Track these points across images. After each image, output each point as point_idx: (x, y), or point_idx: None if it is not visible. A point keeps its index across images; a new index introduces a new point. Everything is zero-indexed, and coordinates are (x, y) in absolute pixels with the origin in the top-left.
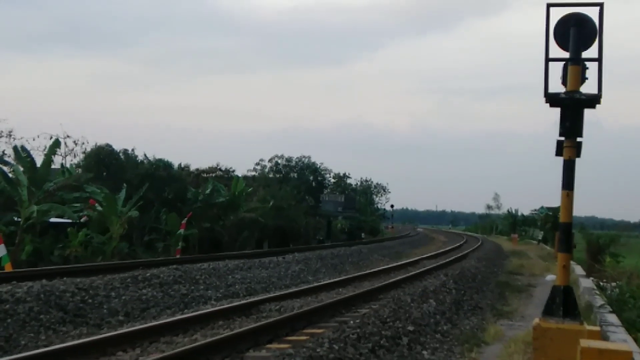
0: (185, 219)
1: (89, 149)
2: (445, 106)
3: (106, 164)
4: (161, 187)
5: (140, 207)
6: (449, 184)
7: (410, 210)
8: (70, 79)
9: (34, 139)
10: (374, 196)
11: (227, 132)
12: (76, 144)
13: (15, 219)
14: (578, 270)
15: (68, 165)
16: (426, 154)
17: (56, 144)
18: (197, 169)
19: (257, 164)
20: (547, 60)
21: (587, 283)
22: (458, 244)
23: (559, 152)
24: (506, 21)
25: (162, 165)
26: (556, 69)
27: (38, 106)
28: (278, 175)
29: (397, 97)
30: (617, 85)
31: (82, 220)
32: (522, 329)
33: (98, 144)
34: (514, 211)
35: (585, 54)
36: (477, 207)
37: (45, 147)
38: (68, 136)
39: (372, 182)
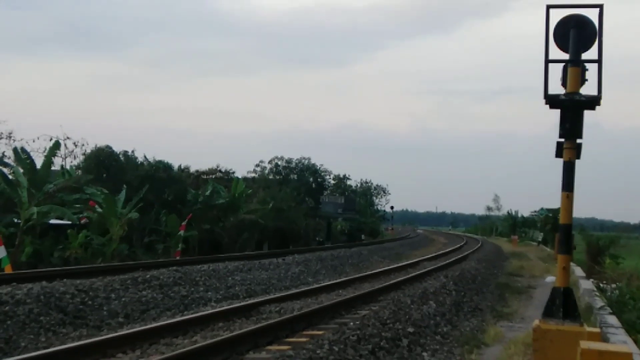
0: (185, 220)
1: (89, 151)
2: (445, 107)
3: (106, 165)
4: (161, 188)
5: (140, 208)
6: (449, 185)
7: (410, 212)
8: (70, 80)
9: (33, 141)
10: (374, 197)
11: (227, 134)
12: (76, 146)
13: (15, 220)
14: (578, 271)
15: (68, 167)
16: (426, 156)
17: (56, 145)
18: (197, 171)
19: (257, 165)
20: (547, 61)
21: (587, 284)
22: (458, 246)
23: (558, 154)
24: (506, 23)
25: (162, 167)
26: (556, 70)
27: (38, 107)
28: (278, 177)
29: (397, 98)
30: (618, 87)
31: (82, 222)
32: (522, 331)
33: (98, 146)
34: (513, 213)
35: (585, 56)
36: (477, 208)
37: (45, 149)
38: (68, 138)
39: (372, 183)
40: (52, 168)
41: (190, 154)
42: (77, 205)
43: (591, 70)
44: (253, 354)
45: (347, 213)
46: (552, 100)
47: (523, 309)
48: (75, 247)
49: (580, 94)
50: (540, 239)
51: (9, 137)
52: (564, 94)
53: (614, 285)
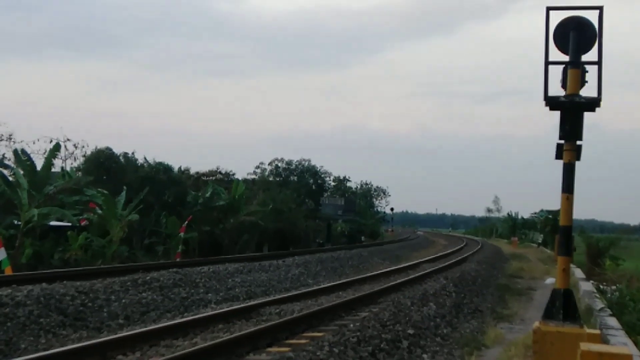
0: (185, 222)
1: (89, 153)
2: (445, 109)
3: (106, 167)
4: (161, 190)
5: (140, 210)
6: (449, 187)
7: (410, 214)
8: (70, 82)
9: (34, 143)
10: (374, 199)
11: (227, 135)
12: (76, 148)
13: (16, 222)
14: (578, 273)
15: (68, 169)
16: (426, 157)
17: (56, 147)
18: (197, 172)
19: (257, 167)
20: (547, 63)
21: (587, 286)
22: (458, 247)
23: (558, 156)
24: (506, 24)
25: (162, 169)
26: (556, 72)
27: (38, 109)
28: (278, 179)
29: (397, 100)
30: (618, 89)
31: (82, 223)
32: (522, 332)
33: (98, 147)
34: (514, 214)
35: (584, 57)
36: (477, 210)
37: (46, 151)
38: (68, 139)
39: (372, 185)
40: (52, 170)
41: (190, 155)
42: (77, 207)
43: (591, 72)
44: (253, 356)
45: (347, 215)
46: (552, 102)
47: (523, 311)
48: (76, 248)
49: (580, 96)
50: (540, 241)
51: (9, 139)
52: (564, 96)
53: (614, 287)
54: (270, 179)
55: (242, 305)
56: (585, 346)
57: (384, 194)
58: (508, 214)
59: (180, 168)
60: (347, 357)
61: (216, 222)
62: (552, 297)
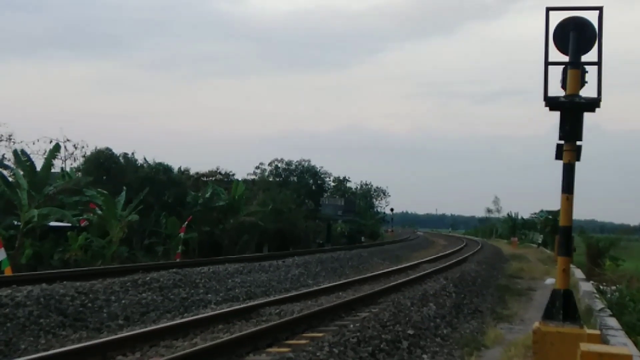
0: (185, 222)
1: (88, 153)
2: (445, 109)
3: (106, 167)
4: (161, 190)
5: (140, 210)
6: (449, 187)
7: (410, 214)
8: (70, 82)
9: (33, 143)
10: (374, 200)
11: (227, 136)
12: (76, 148)
13: (15, 222)
14: (578, 273)
15: (68, 169)
16: (426, 158)
17: (56, 148)
18: (197, 173)
19: (257, 167)
20: (547, 64)
21: (587, 286)
22: (458, 248)
23: (558, 156)
24: (506, 25)
25: (162, 169)
26: (556, 72)
27: (38, 110)
28: (278, 179)
29: (397, 101)
30: (618, 89)
31: (82, 224)
32: (522, 333)
33: (98, 148)
34: (513, 215)
35: (584, 58)
36: (477, 210)
37: (45, 151)
38: (68, 140)
39: (372, 185)
40: (52, 170)
41: (190, 156)
42: (77, 208)
43: (591, 72)
44: (253, 356)
45: (347, 215)
46: (552, 103)
47: (523, 311)
48: (75, 249)
49: (580, 96)
50: (540, 241)
51: (9, 139)
52: (564, 96)
53: (614, 287)
54: (270, 179)
55: (242, 305)
56: (585, 346)
57: (384, 194)
58: (508, 214)
59: (180, 168)
60: (347, 358)
61: (216, 222)
62: (552, 298)
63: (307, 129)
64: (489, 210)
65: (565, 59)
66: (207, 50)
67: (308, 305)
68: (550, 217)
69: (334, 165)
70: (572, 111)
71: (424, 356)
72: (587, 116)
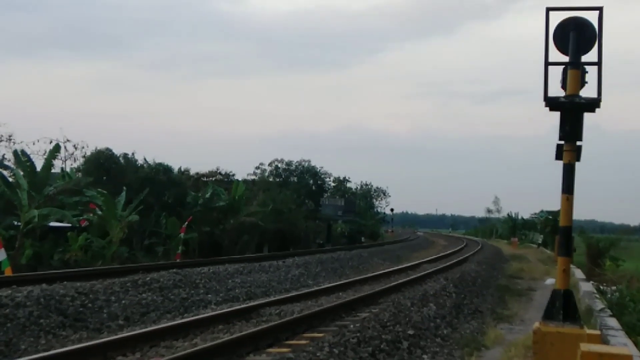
0: (185, 223)
1: (88, 153)
2: (445, 109)
3: (106, 168)
4: (161, 191)
5: (140, 211)
6: (449, 187)
7: (410, 214)
8: (70, 82)
9: (33, 143)
10: (374, 200)
11: (227, 136)
12: (76, 148)
13: (15, 223)
14: (578, 274)
15: (68, 170)
16: (426, 158)
17: (56, 148)
18: (197, 173)
19: (257, 167)
20: (547, 64)
21: (587, 287)
22: (458, 248)
23: (558, 156)
24: (506, 25)
25: (162, 169)
26: (556, 72)
27: (38, 110)
28: (278, 179)
29: (397, 101)
30: (618, 89)
31: (82, 224)
32: (522, 333)
33: (98, 148)
34: (514, 215)
35: (584, 58)
36: (477, 210)
37: (45, 152)
38: (68, 140)
39: (372, 185)
40: (52, 171)
41: (190, 156)
42: (77, 208)
43: (591, 72)
44: (253, 357)
45: (347, 215)
46: (552, 103)
47: (523, 312)
48: (75, 249)
49: (580, 97)
50: (540, 241)
51: (9, 139)
52: (564, 97)
53: (614, 288)
54: (270, 179)
55: (242, 305)
56: (585, 347)
57: (384, 194)
58: (508, 214)
59: (180, 169)
60: (347, 358)
61: (216, 222)
62: (552, 298)
63: (307, 129)
64: (489, 211)
65: (565, 59)
66: (207, 50)
67: (308, 305)
68: (550, 217)
69: (334, 165)
70: (572, 111)
71: (424, 356)
72: (587, 116)
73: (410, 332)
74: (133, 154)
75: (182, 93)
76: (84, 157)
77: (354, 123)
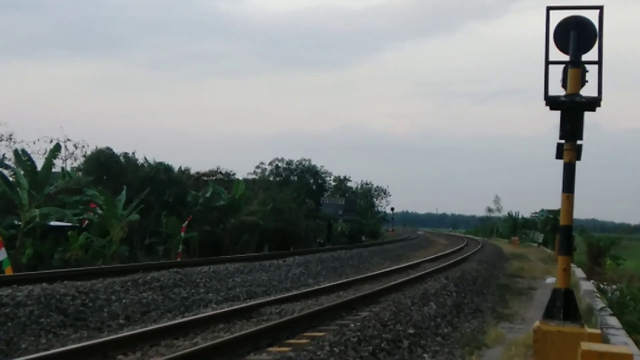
0: (186, 222)
1: (89, 153)
2: (446, 109)
3: (106, 167)
4: (161, 190)
5: (141, 210)
6: (449, 186)
7: (411, 213)
8: (70, 82)
9: (34, 143)
10: (375, 199)
11: (227, 135)
12: (76, 148)
13: (16, 222)
14: (579, 273)
15: (69, 169)
16: (427, 157)
17: (57, 147)
18: (198, 172)
19: (258, 167)
20: (547, 63)
21: (587, 286)
22: (458, 247)
23: (559, 155)
24: (506, 25)
25: (163, 169)
26: (556, 72)
27: (38, 110)
28: (278, 179)
29: (397, 100)
30: (618, 88)
31: (82, 224)
32: (523, 332)
33: (98, 147)
34: (514, 214)
35: (585, 57)
36: (478, 210)
37: (46, 151)
38: (68, 139)
39: (372, 185)
40: (53, 170)
41: (190, 155)
42: (78, 207)
43: (591, 71)
44: (254, 356)
45: (348, 214)
46: (552, 102)
47: (524, 310)
48: (76, 248)
49: (580, 96)
50: (540, 240)
51: (10, 139)
52: (564, 96)
53: (614, 287)
54: (271, 178)
55: (243, 305)
56: (585, 345)
57: (385, 193)
58: (508, 213)
59: (180, 168)
60: (348, 357)
61: (216, 222)
62: (553, 297)
63: (307, 129)
64: (489, 210)
65: (566, 58)
66: (207, 50)
67: (309, 304)
68: (550, 216)
69: (335, 164)
70: (572, 110)
71: (425, 355)
72: (587, 115)
73: (411, 331)
74: (133, 153)
75: (182, 93)
76: (84, 156)
77: (354, 123)
